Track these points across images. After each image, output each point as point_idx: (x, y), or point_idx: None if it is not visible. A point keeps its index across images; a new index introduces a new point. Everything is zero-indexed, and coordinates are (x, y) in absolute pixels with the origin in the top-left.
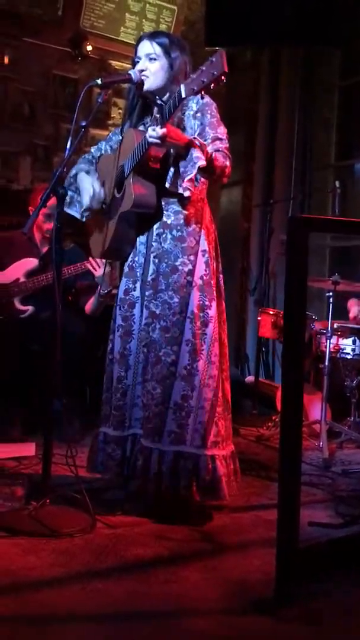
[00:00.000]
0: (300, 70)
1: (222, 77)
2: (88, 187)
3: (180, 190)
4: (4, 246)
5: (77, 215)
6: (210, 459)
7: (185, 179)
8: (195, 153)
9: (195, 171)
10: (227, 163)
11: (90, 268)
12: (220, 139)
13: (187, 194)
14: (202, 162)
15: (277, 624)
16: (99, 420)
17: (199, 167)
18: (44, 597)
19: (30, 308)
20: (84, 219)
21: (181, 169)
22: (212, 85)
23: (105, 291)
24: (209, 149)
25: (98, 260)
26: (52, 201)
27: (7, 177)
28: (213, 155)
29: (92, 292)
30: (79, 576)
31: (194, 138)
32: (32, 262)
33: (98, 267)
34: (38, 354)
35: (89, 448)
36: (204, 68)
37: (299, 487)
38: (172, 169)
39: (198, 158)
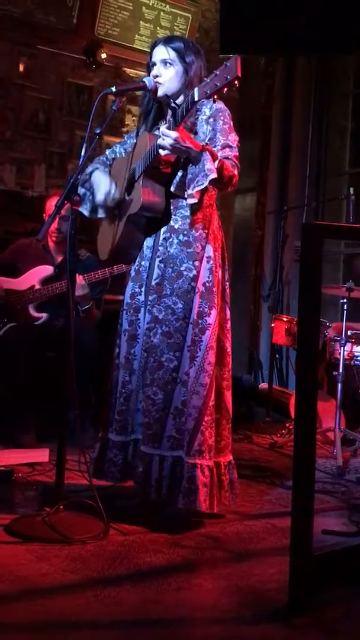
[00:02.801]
0: (315, 77)
1: (236, 82)
2: (105, 183)
3: (185, 196)
4: (21, 253)
5: (86, 213)
6: (190, 466)
7: (195, 189)
8: (208, 164)
9: (206, 183)
10: (235, 172)
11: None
12: (230, 147)
13: (191, 201)
14: (213, 175)
15: (291, 632)
16: (102, 425)
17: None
18: (57, 603)
19: (44, 315)
20: (97, 217)
21: (189, 175)
22: (225, 89)
23: (83, 308)
24: (219, 155)
25: (79, 278)
26: (66, 206)
27: (22, 184)
28: (223, 163)
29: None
30: (92, 583)
31: (206, 145)
32: (47, 270)
33: (76, 288)
34: (53, 361)
35: (95, 453)
36: (217, 72)
37: (313, 494)
38: (179, 173)
39: (210, 170)
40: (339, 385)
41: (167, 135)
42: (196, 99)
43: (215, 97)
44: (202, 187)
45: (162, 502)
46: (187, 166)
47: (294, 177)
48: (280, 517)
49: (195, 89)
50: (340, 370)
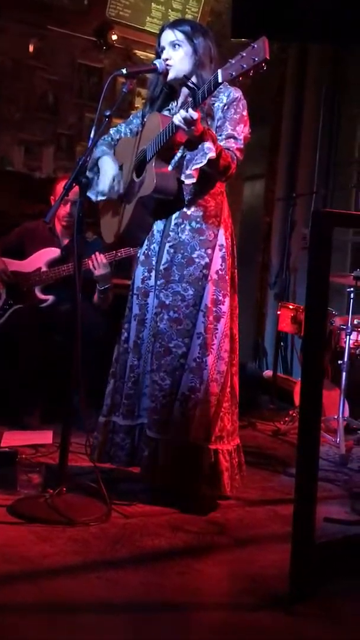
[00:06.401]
0: (328, 64)
1: (263, 65)
2: (109, 175)
3: (183, 177)
4: (27, 235)
5: (94, 198)
6: (213, 452)
7: (192, 168)
8: (207, 144)
9: (204, 161)
10: (232, 164)
11: (90, 266)
12: (235, 138)
13: (189, 181)
14: (212, 154)
15: (291, 620)
16: (104, 409)
17: (208, 159)
18: (59, 585)
19: (50, 298)
20: (99, 202)
21: (188, 156)
22: (252, 71)
23: (102, 288)
24: (222, 144)
25: (100, 257)
26: (75, 190)
27: (30, 165)
28: (222, 151)
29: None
30: (94, 565)
31: (209, 129)
32: (54, 252)
33: (97, 267)
34: (59, 344)
35: (96, 437)
36: (244, 54)
37: (316, 482)
38: (179, 154)
39: (209, 149)
40: (344, 374)
41: (187, 116)
42: (220, 80)
43: (241, 78)
44: (200, 165)
45: (167, 487)
46: (186, 148)
47: (303, 164)
48: (283, 504)
49: (219, 71)
50: (345, 359)
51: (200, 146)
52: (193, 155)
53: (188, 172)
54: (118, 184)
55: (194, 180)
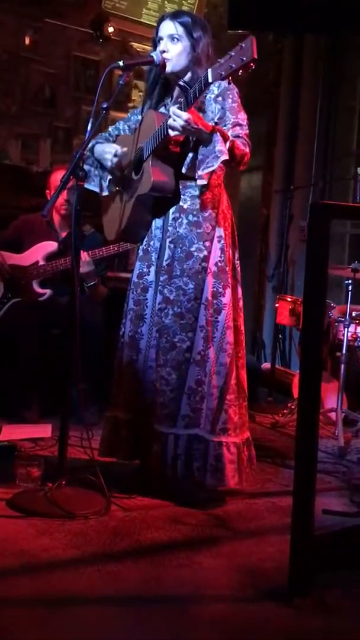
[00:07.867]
0: (324, 55)
1: (251, 64)
2: (109, 149)
3: (196, 177)
4: (25, 229)
5: (96, 189)
6: (217, 445)
7: (205, 171)
8: (219, 146)
9: (217, 165)
10: (247, 150)
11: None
12: (240, 125)
13: (201, 183)
14: (224, 157)
15: (290, 612)
16: (109, 403)
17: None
18: (58, 578)
19: (48, 291)
20: (103, 194)
21: (199, 156)
22: (241, 71)
23: (88, 285)
24: (229, 134)
25: (84, 255)
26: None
27: (27, 159)
28: (234, 143)
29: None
30: (94, 558)
31: (217, 125)
32: (51, 246)
33: (81, 265)
34: (57, 338)
35: (102, 431)
36: (233, 53)
37: (315, 474)
38: (190, 154)
39: (221, 152)
40: (342, 366)
41: (178, 116)
42: (210, 80)
43: (230, 77)
44: (212, 169)
45: (176, 480)
46: (198, 147)
47: (301, 156)
48: (282, 496)
49: (209, 70)
50: (344, 352)
51: (211, 147)
52: (205, 156)
53: (200, 173)
54: (122, 156)
55: (205, 182)
